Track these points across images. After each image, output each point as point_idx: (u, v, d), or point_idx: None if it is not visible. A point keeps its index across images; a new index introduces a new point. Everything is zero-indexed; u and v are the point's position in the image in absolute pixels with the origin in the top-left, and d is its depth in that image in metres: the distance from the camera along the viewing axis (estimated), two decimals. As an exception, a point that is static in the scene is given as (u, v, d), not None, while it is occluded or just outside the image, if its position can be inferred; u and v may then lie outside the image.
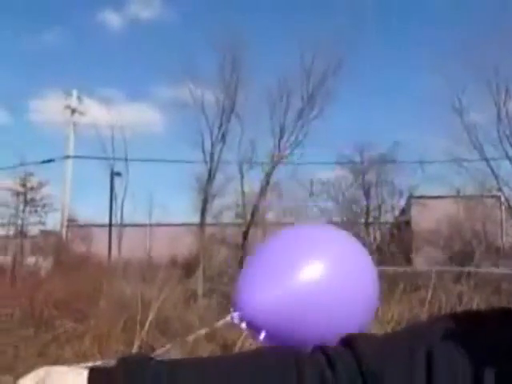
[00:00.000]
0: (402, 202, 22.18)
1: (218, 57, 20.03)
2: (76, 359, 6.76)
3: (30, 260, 17.00)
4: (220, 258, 18.16)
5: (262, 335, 1.01)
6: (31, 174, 21.00)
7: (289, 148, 20.12)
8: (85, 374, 0.73)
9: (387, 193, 21.70)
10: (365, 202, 21.57)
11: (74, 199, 23.14)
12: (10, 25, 34.29)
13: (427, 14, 32.06)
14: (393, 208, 22.16)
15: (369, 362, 0.75)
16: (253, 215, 19.31)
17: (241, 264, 16.39)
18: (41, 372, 0.74)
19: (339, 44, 19.29)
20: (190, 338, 7.47)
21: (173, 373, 0.75)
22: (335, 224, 20.61)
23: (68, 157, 21.76)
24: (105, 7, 38.91)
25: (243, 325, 1.01)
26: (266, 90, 20.19)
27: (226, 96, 19.69)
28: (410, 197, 21.43)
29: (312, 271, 1.03)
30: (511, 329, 0.74)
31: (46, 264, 15.67)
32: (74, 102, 22.13)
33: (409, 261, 18.52)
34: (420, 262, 18.13)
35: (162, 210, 26.40)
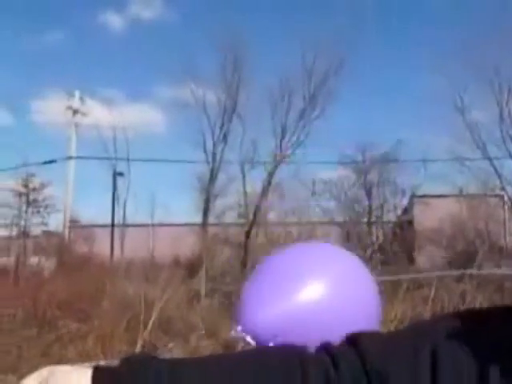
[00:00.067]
0: (405, 202, 22.16)
1: (219, 57, 20.10)
2: (79, 359, 6.76)
3: (33, 260, 17.04)
4: (222, 257, 18.14)
5: None
6: (33, 175, 20.97)
7: (291, 148, 20.16)
8: (89, 373, 0.73)
9: (389, 192, 21.68)
10: (367, 202, 21.54)
11: (76, 200, 23.11)
12: (11, 25, 34.26)
13: (427, 14, 32.07)
14: (395, 207, 22.13)
15: (373, 360, 0.75)
16: (255, 215, 19.31)
17: (243, 264, 16.39)
18: (44, 372, 0.73)
19: (340, 44, 19.33)
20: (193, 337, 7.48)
21: (174, 371, 0.74)
22: (338, 224, 20.66)
23: (70, 157, 21.78)
24: (106, 7, 38.82)
25: (248, 338, 1.01)
26: (267, 90, 20.24)
27: (227, 96, 19.73)
28: (413, 196, 21.37)
29: (314, 290, 1.05)
30: None
31: (48, 264, 15.69)
32: (75, 103, 22.14)
33: (411, 260, 18.50)
34: (423, 261, 18.11)
35: (164, 210, 26.33)
